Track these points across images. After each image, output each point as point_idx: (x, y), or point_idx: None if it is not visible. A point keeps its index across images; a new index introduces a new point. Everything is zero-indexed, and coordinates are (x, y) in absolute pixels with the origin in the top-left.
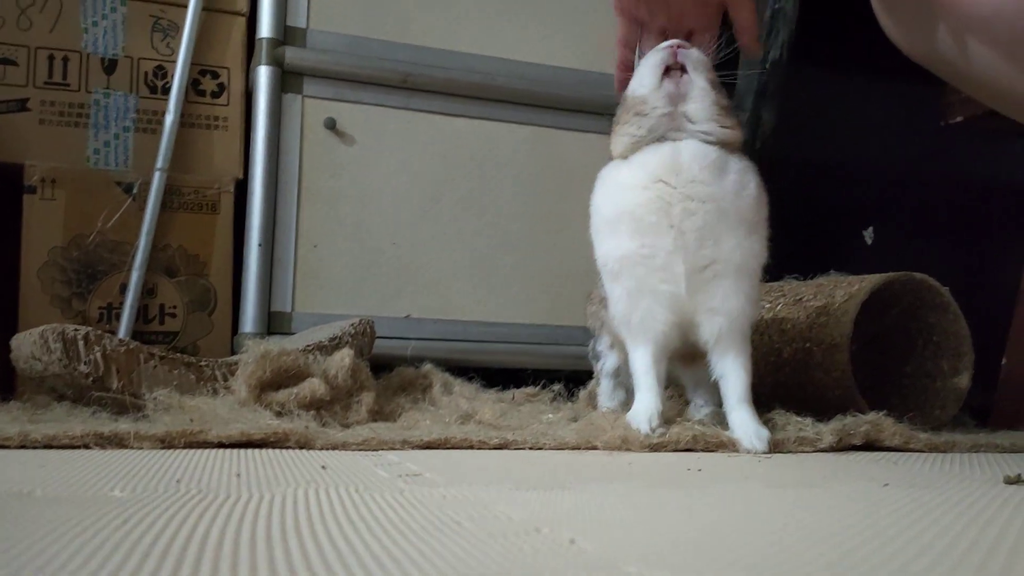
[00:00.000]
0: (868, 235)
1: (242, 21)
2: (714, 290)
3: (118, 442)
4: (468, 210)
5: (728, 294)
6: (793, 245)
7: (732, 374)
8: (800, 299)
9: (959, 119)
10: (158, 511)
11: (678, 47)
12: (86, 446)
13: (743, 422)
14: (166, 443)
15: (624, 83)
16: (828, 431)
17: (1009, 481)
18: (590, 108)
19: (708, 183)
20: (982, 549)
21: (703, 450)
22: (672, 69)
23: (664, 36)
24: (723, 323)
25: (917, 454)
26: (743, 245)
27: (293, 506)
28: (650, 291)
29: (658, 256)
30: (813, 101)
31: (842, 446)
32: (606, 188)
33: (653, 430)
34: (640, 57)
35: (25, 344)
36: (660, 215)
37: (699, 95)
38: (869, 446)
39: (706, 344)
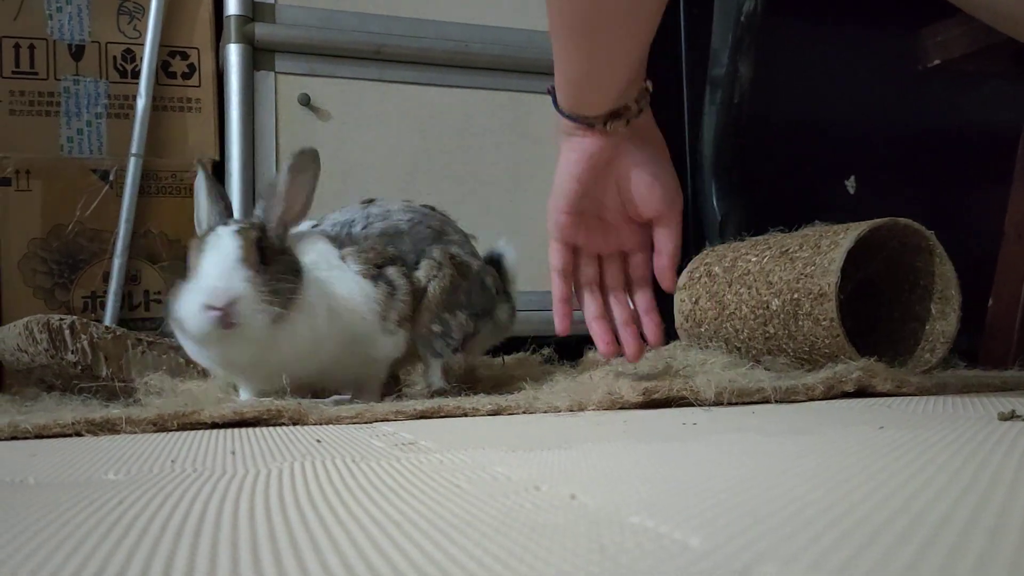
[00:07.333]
0: (851, 184)
1: None
2: None
3: (110, 428)
4: (448, 179)
5: None
6: (777, 197)
7: None
8: (786, 251)
9: (936, 62)
10: (153, 491)
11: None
12: (78, 434)
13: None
14: (159, 426)
15: (566, 318)
16: (819, 380)
17: (1004, 417)
18: None
19: None
20: (982, 483)
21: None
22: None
23: (599, 259)
24: None
25: (909, 397)
26: None
27: (291, 479)
28: None
29: None
30: (790, 52)
31: (834, 394)
32: None
33: None
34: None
35: (10, 337)
36: None
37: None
38: (860, 392)
39: None
